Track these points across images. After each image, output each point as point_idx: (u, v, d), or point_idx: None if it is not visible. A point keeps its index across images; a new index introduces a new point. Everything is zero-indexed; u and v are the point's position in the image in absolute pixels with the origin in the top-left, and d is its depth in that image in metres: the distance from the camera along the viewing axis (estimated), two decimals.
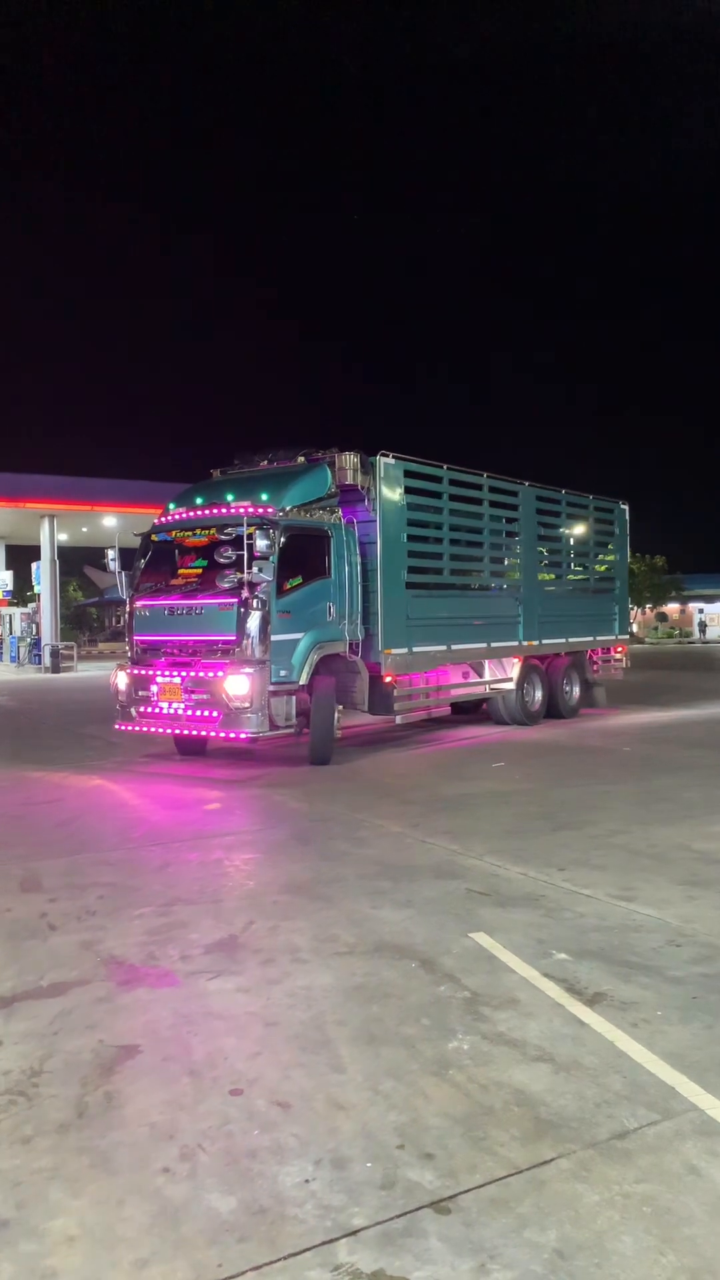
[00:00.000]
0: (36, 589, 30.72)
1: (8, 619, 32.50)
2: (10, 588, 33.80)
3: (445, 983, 4.06)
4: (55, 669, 27.54)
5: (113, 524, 31.55)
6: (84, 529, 33.19)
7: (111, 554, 11.25)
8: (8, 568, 34.39)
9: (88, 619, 58.39)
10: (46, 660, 27.92)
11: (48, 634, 28.60)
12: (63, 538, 31.25)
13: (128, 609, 10.82)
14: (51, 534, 28.97)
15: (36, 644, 29.48)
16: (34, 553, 30.96)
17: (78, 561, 54.20)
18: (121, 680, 10.42)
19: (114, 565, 11.22)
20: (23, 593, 36.36)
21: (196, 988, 4.05)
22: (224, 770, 10.11)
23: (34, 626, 30.36)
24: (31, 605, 31.77)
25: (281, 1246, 2.39)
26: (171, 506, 11.00)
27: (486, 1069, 3.29)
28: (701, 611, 58.02)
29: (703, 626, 56.84)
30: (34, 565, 30.98)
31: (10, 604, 33.37)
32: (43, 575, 29.48)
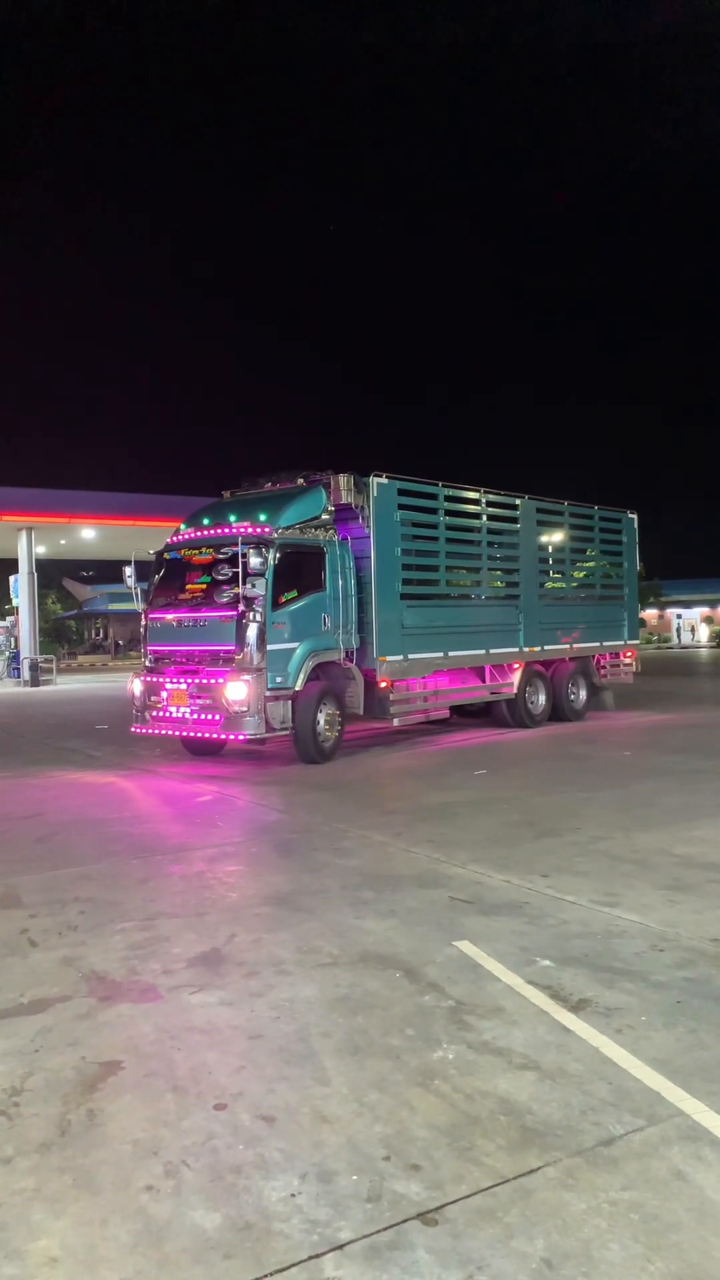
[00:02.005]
0: (15, 602, 30.50)
1: None
2: None
3: (429, 992, 4.05)
4: (34, 682, 27.33)
5: (91, 536, 31.44)
6: (62, 541, 33.00)
7: (129, 570, 12.07)
8: None
9: (67, 632, 58.09)
10: (25, 674, 27.71)
11: (26, 647, 28.37)
12: (41, 550, 31.05)
13: (143, 621, 11.73)
14: (29, 546, 28.76)
15: (15, 657, 29.26)
16: (12, 566, 30.75)
17: (56, 574, 54.01)
18: (137, 687, 11.27)
19: (131, 580, 11.95)
20: (1, 606, 36.11)
21: (179, 1002, 4.02)
22: (212, 776, 10.07)
23: (13, 640, 30.14)
24: (10, 618, 31.54)
25: (267, 1263, 2.37)
26: (182, 527, 11.92)
27: (472, 1078, 3.28)
28: (679, 617, 58.44)
29: (691, 629, 57.29)
30: (12, 578, 30.79)
31: None
32: (21, 588, 29.27)
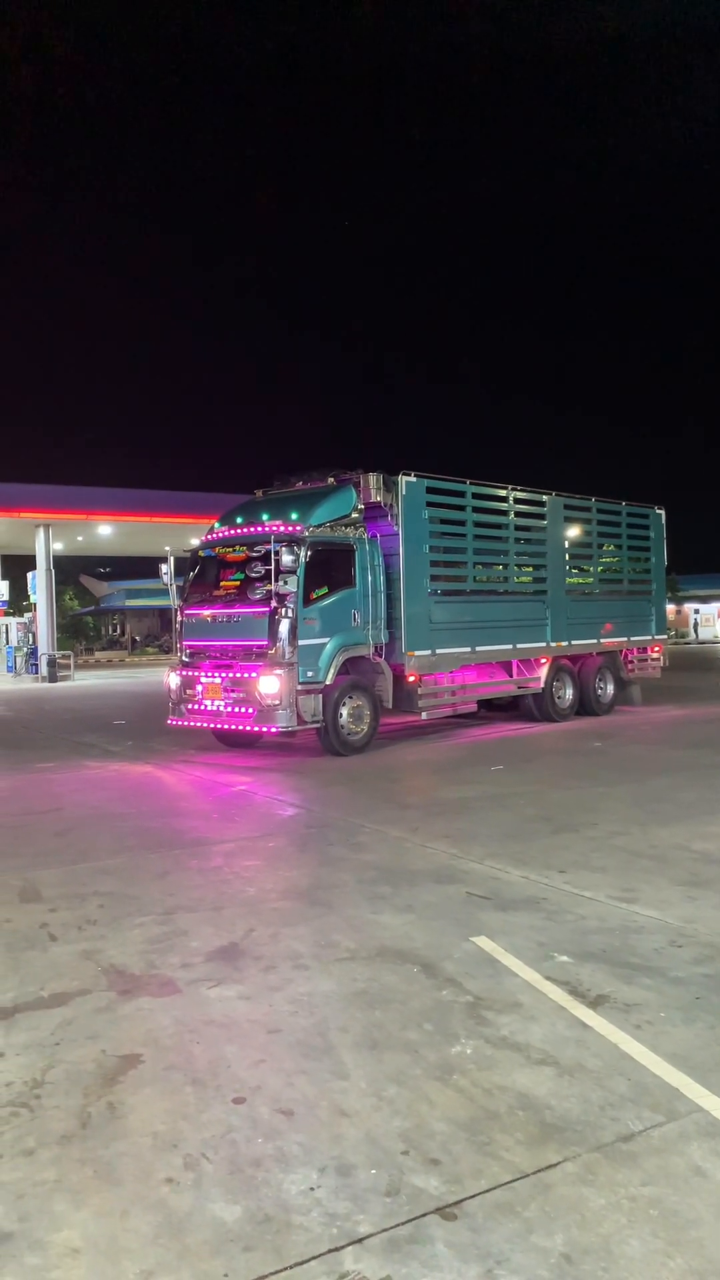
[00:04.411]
0: (32, 598, 30.65)
1: (4, 629, 32.42)
2: (6, 598, 33.74)
3: (447, 987, 4.05)
4: (52, 678, 27.49)
5: (108, 532, 31.55)
6: (79, 538, 33.14)
7: (165, 568, 12.30)
8: (3, 578, 34.31)
9: (84, 628, 58.36)
10: (43, 669, 27.86)
11: (44, 643, 28.52)
12: (58, 547, 31.18)
13: (178, 617, 12.04)
14: (47, 543, 28.89)
15: (33, 653, 29.41)
16: (29, 562, 30.90)
17: (73, 570, 54.25)
18: (173, 681, 11.54)
19: (168, 577, 12.18)
20: (19, 602, 36.32)
21: (198, 996, 4.04)
22: (231, 769, 10.11)
23: (30, 636, 30.29)
24: (28, 615, 31.69)
25: (287, 1255, 2.38)
26: (216, 525, 12.21)
27: (490, 1073, 3.28)
28: (697, 612, 58.04)
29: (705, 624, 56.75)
30: (30, 575, 30.92)
31: (6, 614, 33.30)
32: (38, 585, 29.39)
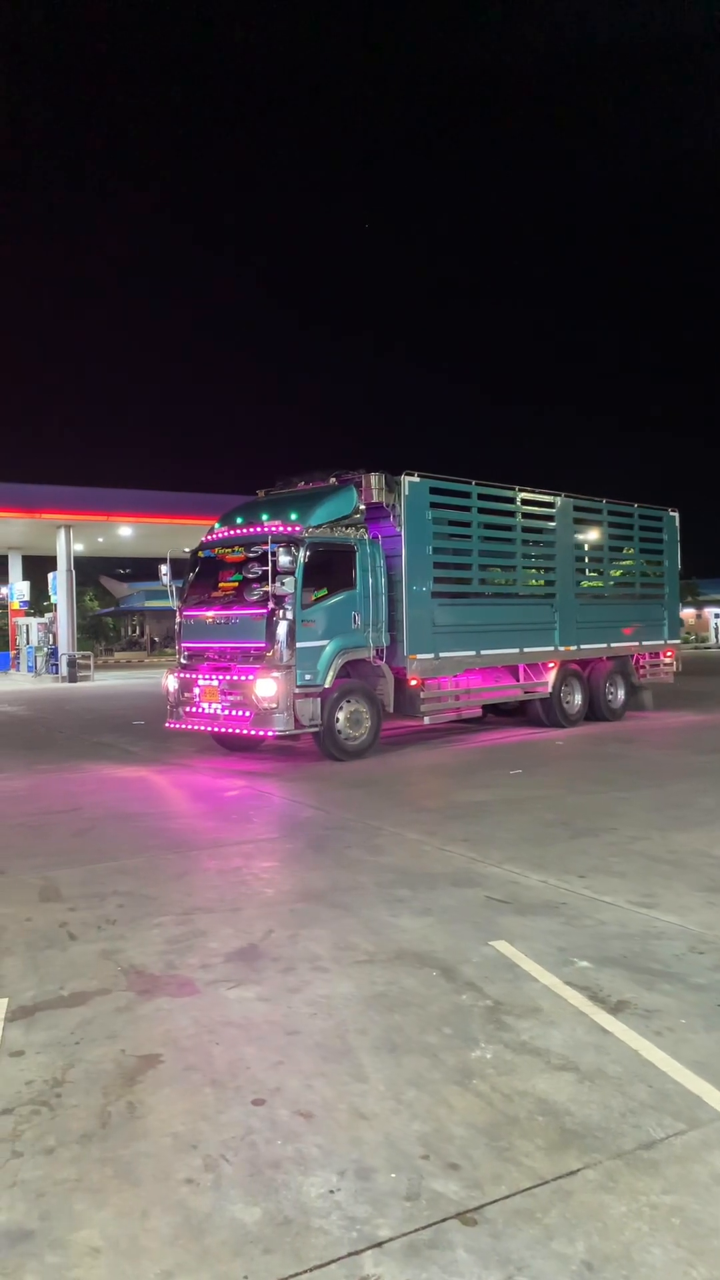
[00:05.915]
0: (53, 599, 30.84)
1: (25, 629, 32.64)
2: (27, 598, 33.98)
3: (466, 991, 4.04)
4: (72, 678, 27.65)
5: (128, 534, 31.70)
6: (100, 539, 33.30)
7: (164, 569, 12.20)
8: (24, 578, 34.55)
9: (104, 628, 58.64)
10: (63, 670, 28.03)
11: (64, 643, 28.70)
12: (78, 548, 31.35)
13: (177, 619, 11.89)
14: (67, 544, 29.07)
15: (53, 653, 29.59)
16: (50, 563, 31.09)
17: (94, 571, 54.55)
18: (171, 683, 11.47)
19: (167, 578, 12.12)
20: (39, 603, 36.55)
21: (217, 997, 4.05)
22: (247, 771, 10.13)
23: (51, 636, 30.47)
24: (48, 615, 31.88)
25: (307, 1258, 2.38)
26: (217, 526, 12.06)
27: (510, 1078, 3.27)
28: (717, 616, 57.60)
29: None
30: (50, 575, 31.12)
31: (27, 614, 33.53)
32: (59, 585, 29.59)
